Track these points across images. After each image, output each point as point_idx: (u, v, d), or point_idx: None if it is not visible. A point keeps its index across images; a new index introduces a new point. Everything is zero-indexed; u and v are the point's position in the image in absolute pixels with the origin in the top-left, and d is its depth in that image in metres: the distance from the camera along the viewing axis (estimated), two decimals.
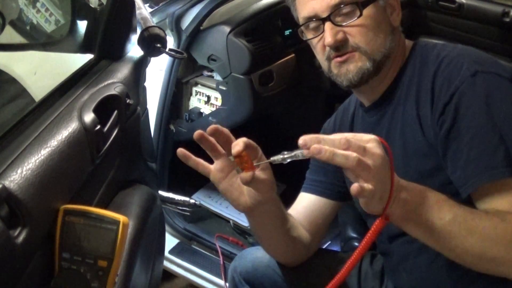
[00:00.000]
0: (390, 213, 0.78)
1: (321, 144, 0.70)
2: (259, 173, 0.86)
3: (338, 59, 1.01)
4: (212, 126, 0.85)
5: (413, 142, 0.99)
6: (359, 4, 0.98)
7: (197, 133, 0.86)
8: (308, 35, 1.05)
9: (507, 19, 1.57)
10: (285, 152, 0.76)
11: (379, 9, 1.01)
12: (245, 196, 0.90)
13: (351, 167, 0.70)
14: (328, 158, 0.69)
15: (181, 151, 0.87)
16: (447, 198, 0.83)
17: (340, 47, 1.00)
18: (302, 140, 0.71)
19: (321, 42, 1.02)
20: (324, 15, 0.99)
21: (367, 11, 0.99)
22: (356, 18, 0.98)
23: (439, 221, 0.81)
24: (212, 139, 0.87)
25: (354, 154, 0.70)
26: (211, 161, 0.91)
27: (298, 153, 0.74)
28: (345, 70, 1.01)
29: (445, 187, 0.89)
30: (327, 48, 1.01)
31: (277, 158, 0.77)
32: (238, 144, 0.81)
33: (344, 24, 0.99)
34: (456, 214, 0.82)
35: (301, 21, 1.05)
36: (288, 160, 0.76)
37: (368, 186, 0.71)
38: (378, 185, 0.72)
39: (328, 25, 0.99)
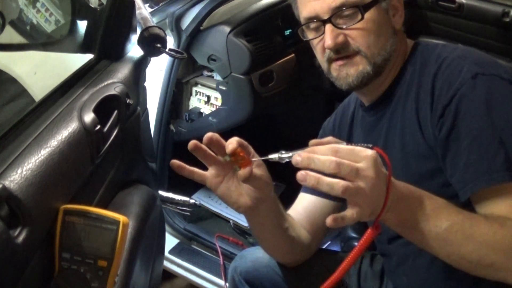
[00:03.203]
0: (385, 219, 0.78)
1: (311, 167, 0.70)
2: (255, 169, 0.86)
3: (339, 62, 1.00)
4: (208, 135, 0.84)
5: (413, 144, 0.99)
6: (360, 7, 0.97)
7: (191, 143, 0.85)
8: (309, 35, 1.05)
9: (507, 19, 1.56)
10: (283, 152, 0.77)
11: (381, 12, 1.00)
12: (244, 197, 0.90)
13: (337, 195, 0.70)
14: (313, 186, 0.70)
15: (174, 162, 0.86)
16: (446, 204, 0.83)
17: (341, 50, 0.99)
18: (296, 159, 0.72)
19: (321, 43, 1.02)
20: (325, 17, 0.98)
21: (368, 14, 0.98)
22: (357, 21, 0.97)
23: (435, 228, 0.81)
24: (205, 147, 0.86)
25: (341, 183, 0.70)
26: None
27: (296, 155, 0.74)
28: (345, 74, 1.01)
29: (444, 189, 0.89)
30: (327, 50, 1.01)
31: (274, 156, 0.78)
32: (232, 143, 0.82)
33: (345, 27, 0.98)
34: (453, 222, 0.81)
35: (302, 20, 1.04)
36: (286, 160, 0.76)
37: (352, 213, 0.72)
38: (368, 206, 0.73)
39: (328, 28, 0.98)
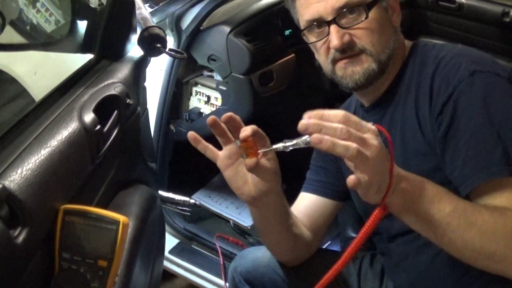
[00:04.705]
0: (389, 203, 0.79)
1: (322, 133, 0.70)
2: (264, 161, 0.87)
3: (345, 60, 1.01)
4: (227, 114, 0.86)
5: (413, 142, 1.00)
6: (364, 6, 0.98)
7: (210, 118, 0.87)
8: (311, 38, 1.04)
9: (507, 19, 1.57)
10: (286, 140, 0.77)
11: (382, 10, 1.01)
12: (249, 185, 0.90)
13: (350, 158, 0.70)
14: (328, 148, 0.70)
15: (191, 134, 0.88)
16: (447, 191, 0.84)
17: (347, 49, 1.00)
18: (304, 122, 0.71)
19: (325, 45, 1.02)
20: (329, 18, 0.99)
21: (372, 13, 0.99)
22: (362, 20, 0.98)
23: (438, 212, 0.81)
24: (223, 125, 0.88)
25: (354, 145, 0.70)
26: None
27: (299, 142, 0.75)
28: (351, 72, 1.01)
29: (445, 186, 0.90)
30: (332, 51, 1.01)
31: (279, 146, 0.79)
32: (247, 130, 0.82)
33: (349, 26, 0.99)
34: (456, 207, 0.82)
35: (304, 24, 1.04)
36: (290, 148, 0.77)
37: (364, 177, 0.72)
38: (375, 176, 0.73)
39: (333, 28, 0.99)
